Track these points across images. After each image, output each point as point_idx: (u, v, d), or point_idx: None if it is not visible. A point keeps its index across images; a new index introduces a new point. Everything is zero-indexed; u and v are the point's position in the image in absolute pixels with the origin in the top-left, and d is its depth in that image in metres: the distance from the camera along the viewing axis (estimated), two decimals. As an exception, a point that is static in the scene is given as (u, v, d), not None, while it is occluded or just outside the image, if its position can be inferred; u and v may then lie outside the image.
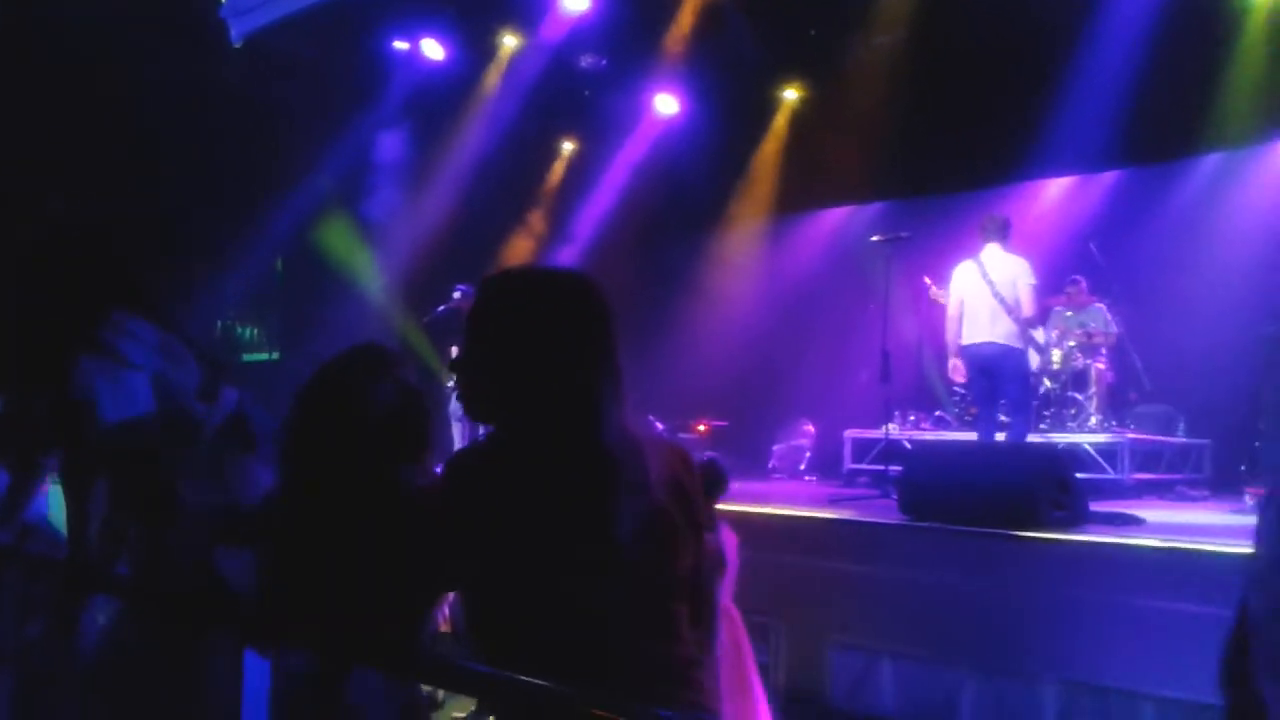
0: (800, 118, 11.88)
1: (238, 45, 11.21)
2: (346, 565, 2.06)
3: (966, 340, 7.31)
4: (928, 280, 9.08)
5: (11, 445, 2.97)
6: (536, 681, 1.58)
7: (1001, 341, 7.18)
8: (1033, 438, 8.44)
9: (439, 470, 2.03)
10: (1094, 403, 8.86)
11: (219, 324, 13.88)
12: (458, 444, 9.89)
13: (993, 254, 7.33)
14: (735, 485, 8.98)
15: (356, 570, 2.04)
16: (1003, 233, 7.37)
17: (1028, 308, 7.21)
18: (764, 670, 5.68)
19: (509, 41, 11.75)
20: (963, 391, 9.27)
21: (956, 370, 7.58)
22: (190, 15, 11.15)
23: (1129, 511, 6.25)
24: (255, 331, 14.58)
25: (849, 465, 9.67)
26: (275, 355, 13.92)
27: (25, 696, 2.73)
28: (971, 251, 7.56)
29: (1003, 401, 7.63)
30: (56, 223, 2.92)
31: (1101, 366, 9.02)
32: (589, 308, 2.04)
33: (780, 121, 12.06)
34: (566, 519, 1.90)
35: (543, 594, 1.89)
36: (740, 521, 6.22)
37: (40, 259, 2.81)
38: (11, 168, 9.66)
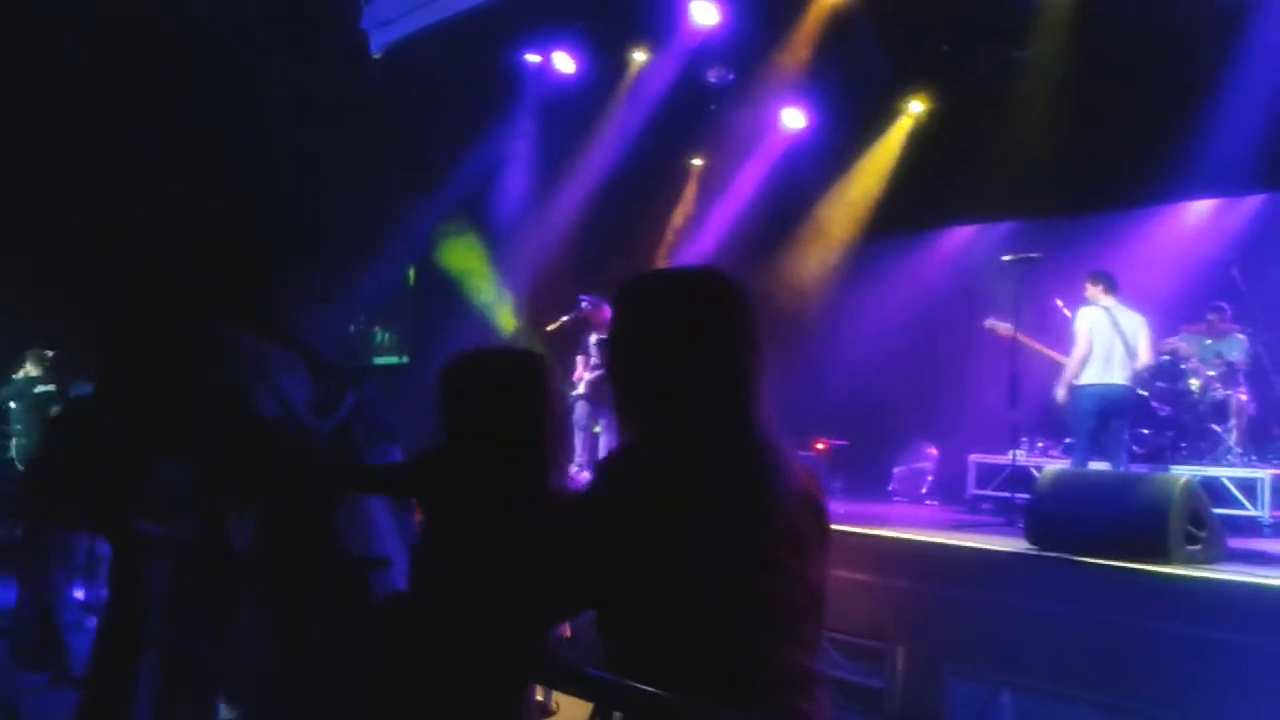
0: (929, 133, 11.68)
1: (377, 56, 11.57)
2: (493, 569, 2.09)
3: (1094, 380, 7.96)
4: (1059, 303, 8.86)
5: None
6: (660, 692, 1.59)
7: (1129, 384, 8.05)
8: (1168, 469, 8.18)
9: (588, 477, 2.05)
10: (1234, 435, 8.51)
11: (352, 327, 14.33)
12: (579, 453, 10.01)
13: (1115, 305, 8.08)
14: (855, 507, 8.96)
15: (502, 574, 2.07)
16: (1118, 287, 8.17)
17: (1147, 357, 8.09)
18: (877, 696, 5.61)
19: (638, 55, 11.85)
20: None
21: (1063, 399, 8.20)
22: (332, 27, 11.56)
23: (1269, 550, 6.00)
24: (387, 336, 15.01)
25: (973, 491, 9.46)
26: (404, 359, 14.31)
27: (170, 678, 2.83)
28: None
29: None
30: (176, 231, 3.04)
31: (1243, 398, 8.66)
32: (732, 304, 2.03)
33: (908, 137, 11.88)
34: (719, 523, 1.90)
35: (688, 598, 1.88)
36: (858, 544, 6.17)
37: (162, 266, 2.94)
38: (154, 174, 10.12)
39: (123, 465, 3.05)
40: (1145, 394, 8.49)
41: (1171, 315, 9.05)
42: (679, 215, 13.47)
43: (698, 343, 1.98)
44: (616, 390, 2.09)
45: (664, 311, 2.03)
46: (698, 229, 13.11)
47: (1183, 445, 8.58)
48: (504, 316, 12.84)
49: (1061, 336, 8.54)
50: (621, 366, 2.07)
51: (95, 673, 3.00)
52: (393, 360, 14.53)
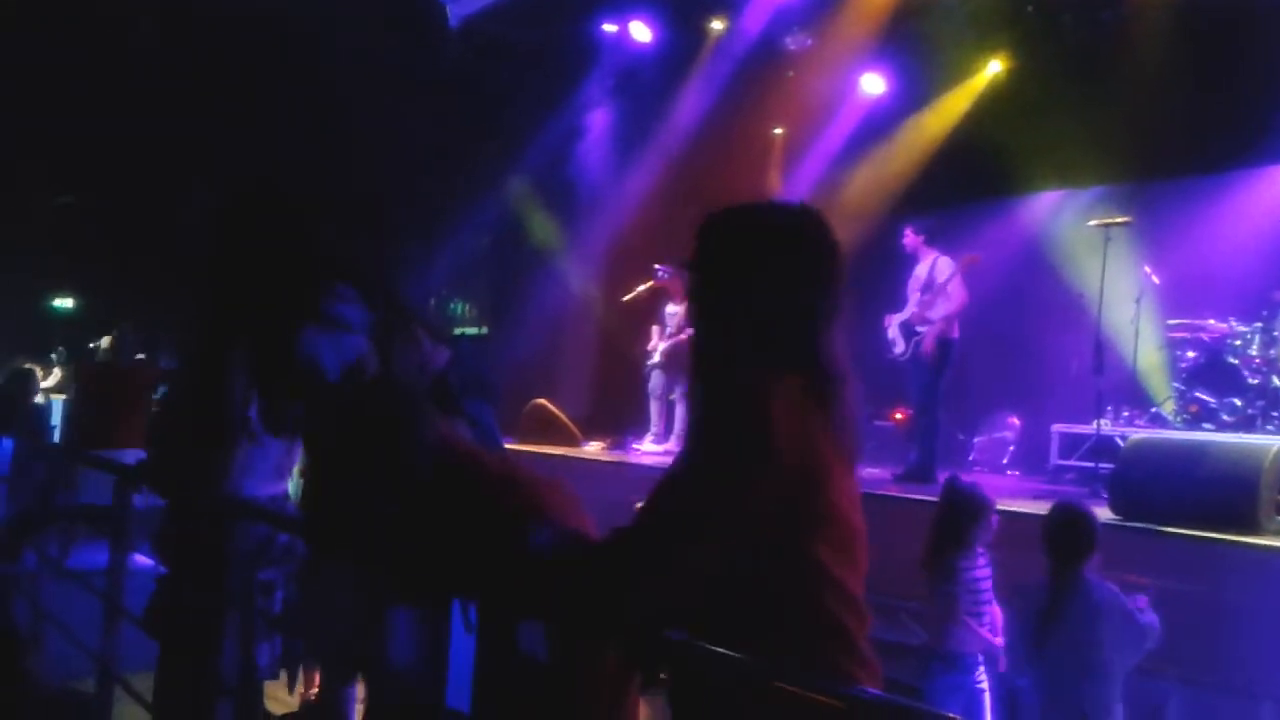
0: (1012, 96, 11.40)
1: (455, 28, 11.66)
2: None
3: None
4: (1148, 269, 8.65)
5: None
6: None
7: None
8: (1259, 437, 7.95)
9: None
10: (1329, 402, 8.24)
11: (432, 299, 14.52)
12: (654, 422, 10.05)
13: None
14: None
15: None
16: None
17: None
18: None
19: (716, 23, 11.77)
20: (1183, 387, 8.80)
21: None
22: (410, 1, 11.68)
23: (1366, 522, 5.81)
24: (466, 307, 15.19)
25: (1055, 461, 9.27)
26: (484, 330, 14.47)
27: (248, 640, 2.90)
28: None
29: None
30: (270, 197, 3.09)
31: (1339, 364, 8.38)
32: (822, 239, 1.99)
33: (990, 99, 11.61)
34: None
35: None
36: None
37: (257, 230, 2.99)
38: (235, 147, 10.30)
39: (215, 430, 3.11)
40: (1236, 361, 8.25)
41: (1265, 280, 8.80)
42: (760, 183, 13.36)
43: (807, 273, 1.95)
44: (708, 329, 2.02)
45: (776, 239, 1.98)
46: (779, 196, 13.00)
47: (1274, 414, 8.35)
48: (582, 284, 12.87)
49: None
50: (717, 303, 2.01)
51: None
52: (472, 331, 14.70)
